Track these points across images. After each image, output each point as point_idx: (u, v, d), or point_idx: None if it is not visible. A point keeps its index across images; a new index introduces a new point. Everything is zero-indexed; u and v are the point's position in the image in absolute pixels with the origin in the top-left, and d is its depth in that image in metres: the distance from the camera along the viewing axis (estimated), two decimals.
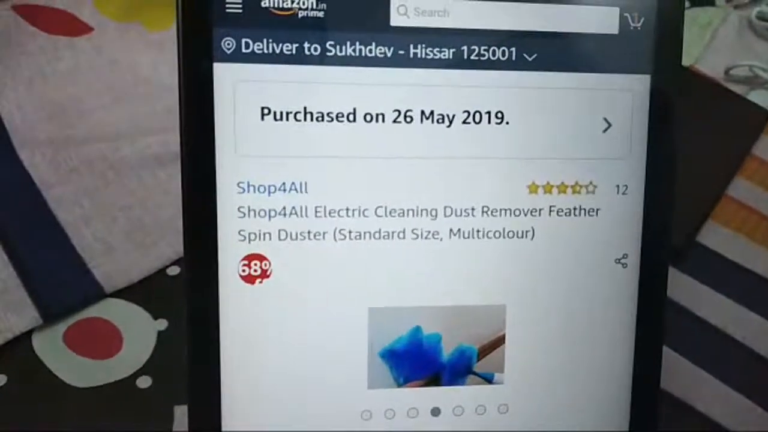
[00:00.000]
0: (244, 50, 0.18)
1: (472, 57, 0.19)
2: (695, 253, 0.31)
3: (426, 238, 0.19)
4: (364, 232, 0.19)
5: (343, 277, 0.19)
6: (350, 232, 0.19)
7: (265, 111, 0.18)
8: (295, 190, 0.19)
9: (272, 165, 0.18)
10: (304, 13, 0.18)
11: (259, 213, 0.19)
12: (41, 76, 0.33)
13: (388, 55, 0.18)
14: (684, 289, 0.29)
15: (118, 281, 0.28)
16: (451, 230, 0.19)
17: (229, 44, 0.18)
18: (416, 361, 0.20)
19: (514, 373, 0.20)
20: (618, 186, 0.20)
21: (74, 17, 0.35)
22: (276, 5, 0.18)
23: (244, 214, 0.19)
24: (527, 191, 0.19)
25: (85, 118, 0.32)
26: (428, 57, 0.19)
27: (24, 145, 0.31)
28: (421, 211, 0.19)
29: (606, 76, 0.19)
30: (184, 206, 0.18)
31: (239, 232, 0.19)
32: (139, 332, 0.27)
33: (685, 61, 0.32)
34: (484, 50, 0.19)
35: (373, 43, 0.18)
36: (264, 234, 0.19)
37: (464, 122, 0.19)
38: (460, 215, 0.19)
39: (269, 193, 0.19)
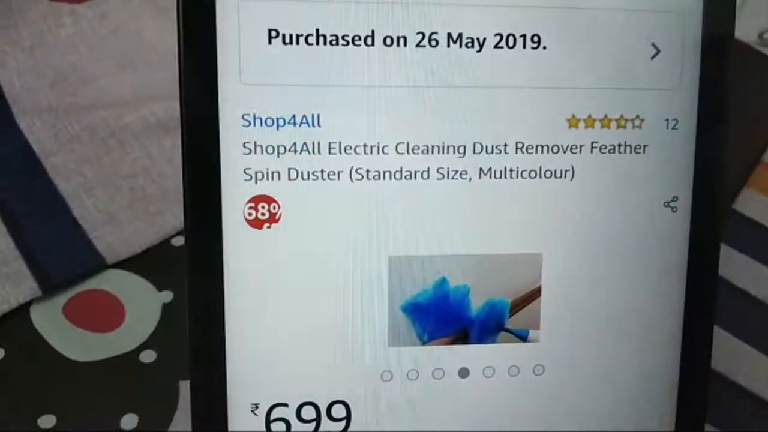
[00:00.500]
0: None
1: None
2: (731, 221, 0.29)
3: (453, 178, 0.17)
4: (384, 172, 0.17)
5: (360, 222, 0.17)
6: (368, 171, 0.17)
7: (273, 34, 0.16)
8: (307, 123, 0.17)
9: (281, 95, 0.16)
10: None
11: (266, 149, 0.17)
12: (42, 44, 0.32)
13: None
14: (721, 258, 0.27)
15: (121, 252, 0.27)
16: (480, 169, 0.17)
17: None
18: (442, 316, 0.18)
19: (550, 330, 0.18)
20: (667, 120, 0.18)
21: None
22: None
23: (250, 151, 0.17)
24: (566, 125, 0.17)
25: (87, 85, 0.31)
26: None
27: (24, 114, 0.30)
28: (448, 147, 0.17)
29: None
30: (184, 142, 0.17)
31: (245, 171, 0.17)
32: (143, 304, 0.26)
33: None
34: None
35: None
36: (272, 173, 0.17)
37: (496, 46, 0.17)
38: (491, 152, 0.17)
39: (278, 126, 0.17)
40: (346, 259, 0.17)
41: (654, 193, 0.18)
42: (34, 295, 0.26)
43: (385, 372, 0.18)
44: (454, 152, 0.17)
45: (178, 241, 0.28)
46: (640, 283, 0.18)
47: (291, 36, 0.16)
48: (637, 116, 0.18)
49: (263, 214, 0.17)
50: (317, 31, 0.16)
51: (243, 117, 0.16)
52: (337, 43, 0.16)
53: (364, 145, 0.17)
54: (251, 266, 0.17)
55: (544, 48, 0.17)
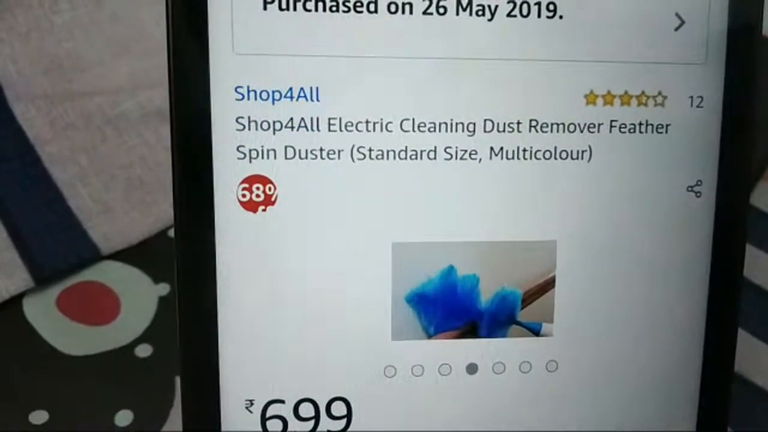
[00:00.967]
0: None
1: None
2: (749, 215, 0.27)
3: (462, 158, 0.16)
4: (388, 151, 0.16)
5: (362, 205, 0.16)
6: (371, 150, 0.16)
7: None
8: (305, 97, 0.15)
9: (277, 66, 0.15)
10: None
11: (261, 125, 0.15)
12: (38, 30, 0.31)
13: None
14: None
15: (116, 242, 0.27)
16: (491, 149, 0.16)
17: None
18: (449, 308, 0.16)
19: (565, 324, 0.17)
20: (692, 97, 0.16)
21: None
22: None
23: (244, 127, 0.15)
24: (584, 102, 0.16)
25: (83, 72, 0.30)
26: None
27: (18, 101, 0.29)
28: (456, 125, 0.16)
29: None
30: (172, 118, 0.15)
31: (238, 149, 0.15)
32: (139, 297, 0.26)
33: None
34: None
35: None
36: (267, 151, 0.15)
37: (509, 15, 0.15)
38: (503, 131, 0.16)
39: (273, 100, 0.15)
40: (346, 246, 0.16)
41: (677, 176, 0.16)
42: (26, 286, 0.25)
43: (389, 367, 0.16)
44: (463, 130, 0.16)
45: None
46: (660, 272, 0.17)
47: (288, 1, 0.15)
48: (660, 93, 0.16)
49: (258, 196, 0.15)
50: None
51: (236, 90, 0.15)
52: (338, 10, 0.15)
53: (367, 122, 0.15)
54: (245, 252, 0.16)
55: (561, 17, 0.16)
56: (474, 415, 0.17)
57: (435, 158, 0.16)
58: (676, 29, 0.16)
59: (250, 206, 0.15)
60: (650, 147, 0.16)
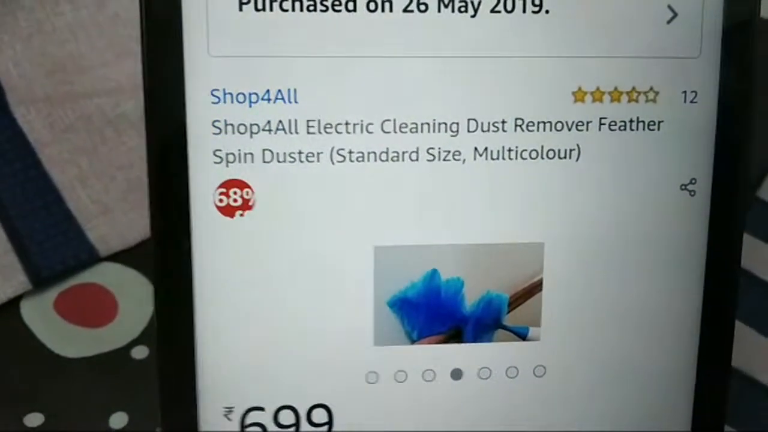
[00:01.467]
0: None
1: None
2: (756, 209, 0.27)
3: (445, 159, 0.15)
4: (369, 153, 0.15)
5: (342, 208, 0.15)
6: (350, 152, 0.15)
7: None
8: (282, 99, 0.15)
9: (254, 68, 0.15)
10: None
11: (238, 128, 0.15)
12: (40, 32, 0.30)
13: None
14: (743, 248, 0.26)
15: (114, 244, 0.26)
16: (476, 149, 0.15)
17: None
18: (433, 312, 0.16)
19: (552, 328, 0.16)
20: (685, 93, 0.15)
21: None
22: None
23: (220, 130, 0.15)
24: (572, 99, 0.15)
25: (85, 74, 0.30)
26: None
27: (19, 103, 0.29)
28: (439, 125, 0.15)
29: None
30: (147, 121, 0.15)
31: (214, 153, 0.15)
32: (136, 299, 0.25)
33: None
34: None
35: None
36: (245, 155, 0.15)
37: (493, 10, 0.15)
38: (488, 130, 0.15)
39: (250, 103, 0.15)
40: (326, 250, 0.15)
41: (669, 174, 0.16)
42: (24, 289, 0.25)
43: (371, 373, 0.16)
44: (446, 130, 0.15)
45: None
46: (653, 275, 0.16)
47: (264, 1, 0.14)
48: (651, 88, 0.15)
49: (235, 201, 0.15)
50: None
51: (212, 93, 0.15)
52: (316, 9, 0.14)
53: (346, 123, 0.15)
54: (223, 257, 0.15)
55: (547, 12, 0.15)
56: (459, 422, 0.16)
57: (417, 160, 0.15)
58: (669, 22, 0.15)
59: (228, 211, 0.15)
60: (642, 145, 0.16)
